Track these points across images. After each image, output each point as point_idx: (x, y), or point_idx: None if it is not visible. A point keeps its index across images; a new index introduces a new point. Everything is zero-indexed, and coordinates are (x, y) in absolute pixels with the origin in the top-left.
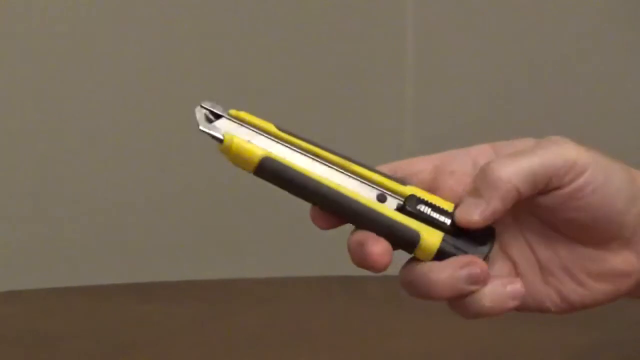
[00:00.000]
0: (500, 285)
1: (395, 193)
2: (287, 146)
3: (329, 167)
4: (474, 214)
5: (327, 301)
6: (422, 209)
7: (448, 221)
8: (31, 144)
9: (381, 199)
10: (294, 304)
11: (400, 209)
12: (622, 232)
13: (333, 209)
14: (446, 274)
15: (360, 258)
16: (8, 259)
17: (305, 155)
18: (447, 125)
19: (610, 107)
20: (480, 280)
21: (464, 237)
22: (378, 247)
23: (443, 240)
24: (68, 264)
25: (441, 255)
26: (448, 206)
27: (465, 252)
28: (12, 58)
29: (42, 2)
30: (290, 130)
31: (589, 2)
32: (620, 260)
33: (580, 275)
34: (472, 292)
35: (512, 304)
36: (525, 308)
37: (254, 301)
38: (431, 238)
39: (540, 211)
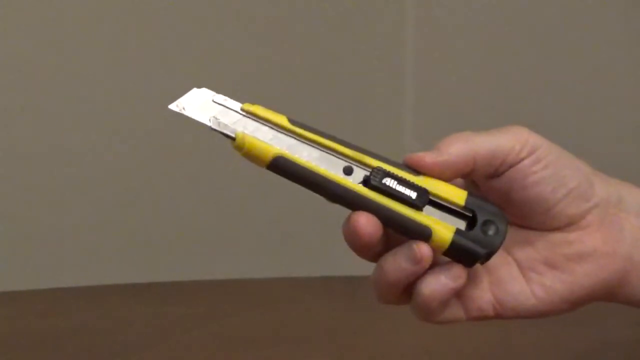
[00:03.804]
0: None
1: (409, 183)
2: (299, 140)
3: (342, 160)
4: (426, 156)
5: (327, 301)
6: (387, 183)
7: (414, 195)
8: (31, 144)
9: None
10: (294, 304)
11: (365, 181)
12: (584, 207)
13: (341, 203)
14: (391, 259)
15: (347, 233)
16: (8, 259)
17: (317, 148)
18: (447, 125)
19: (610, 109)
20: (420, 259)
21: (475, 231)
22: (362, 217)
23: (455, 234)
24: (68, 264)
25: (454, 249)
26: (423, 182)
27: (477, 246)
28: (9, 59)
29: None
30: (302, 122)
31: (589, 3)
32: (599, 238)
33: (560, 261)
34: (418, 278)
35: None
36: (515, 314)
37: (254, 301)
38: (443, 233)
39: (497, 196)
